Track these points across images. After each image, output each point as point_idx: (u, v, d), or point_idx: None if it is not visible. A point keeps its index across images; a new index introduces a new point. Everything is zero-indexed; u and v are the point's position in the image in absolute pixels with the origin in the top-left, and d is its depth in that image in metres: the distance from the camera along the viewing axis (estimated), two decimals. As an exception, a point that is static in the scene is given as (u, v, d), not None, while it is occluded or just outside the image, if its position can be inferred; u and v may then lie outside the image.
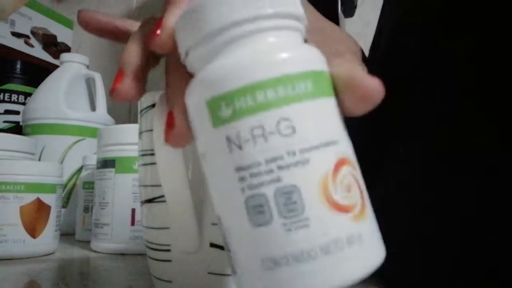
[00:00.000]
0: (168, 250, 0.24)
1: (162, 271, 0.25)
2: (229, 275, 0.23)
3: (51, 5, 0.98)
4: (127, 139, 0.45)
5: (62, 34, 0.97)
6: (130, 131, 0.46)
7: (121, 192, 0.45)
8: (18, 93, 0.78)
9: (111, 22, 0.26)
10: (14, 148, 0.52)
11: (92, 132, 0.65)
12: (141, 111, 0.26)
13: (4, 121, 0.77)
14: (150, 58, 0.20)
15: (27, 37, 0.88)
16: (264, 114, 0.14)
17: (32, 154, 0.55)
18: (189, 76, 0.17)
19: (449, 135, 0.26)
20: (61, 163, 0.62)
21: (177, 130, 0.17)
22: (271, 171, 0.14)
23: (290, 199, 0.14)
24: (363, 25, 0.79)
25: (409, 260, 0.27)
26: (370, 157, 0.27)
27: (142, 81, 0.20)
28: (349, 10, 0.70)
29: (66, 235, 0.58)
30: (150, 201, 0.25)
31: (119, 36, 0.26)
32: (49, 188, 0.43)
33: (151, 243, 0.25)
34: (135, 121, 0.37)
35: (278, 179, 0.14)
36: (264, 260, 0.14)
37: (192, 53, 0.17)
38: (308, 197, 0.14)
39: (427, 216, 0.27)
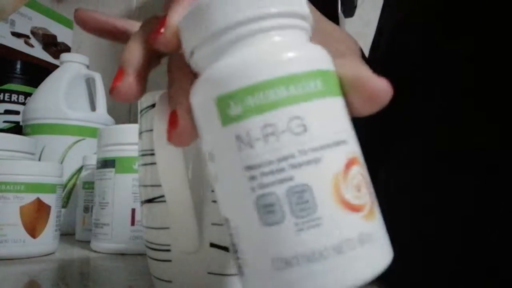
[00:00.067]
0: (168, 250, 0.24)
1: (162, 271, 0.25)
2: (229, 275, 0.23)
3: (51, 5, 0.97)
4: (127, 139, 0.45)
5: (62, 34, 0.97)
6: (130, 131, 0.46)
7: (121, 192, 0.45)
8: (18, 93, 0.78)
9: (111, 21, 0.25)
10: (14, 148, 0.52)
11: (92, 132, 0.65)
12: (141, 111, 0.26)
13: (4, 121, 0.77)
14: (152, 57, 0.20)
15: (27, 37, 0.88)
16: (275, 113, 0.14)
17: (32, 154, 0.55)
18: (193, 75, 0.17)
19: (449, 134, 0.26)
20: (61, 163, 0.62)
21: (181, 129, 0.17)
22: (282, 169, 0.14)
23: (302, 198, 0.14)
24: (363, 25, 0.79)
25: (409, 260, 0.27)
26: (370, 157, 0.27)
27: (143, 81, 0.19)
28: (349, 10, 0.70)
29: (66, 235, 0.58)
30: (150, 201, 0.25)
31: (118, 36, 0.25)
32: (49, 188, 0.43)
33: (151, 243, 0.25)
34: (135, 121, 0.37)
35: (290, 178, 0.14)
36: (274, 260, 0.14)
37: (197, 52, 0.16)
38: (320, 196, 0.14)
39: (427, 216, 0.27)
